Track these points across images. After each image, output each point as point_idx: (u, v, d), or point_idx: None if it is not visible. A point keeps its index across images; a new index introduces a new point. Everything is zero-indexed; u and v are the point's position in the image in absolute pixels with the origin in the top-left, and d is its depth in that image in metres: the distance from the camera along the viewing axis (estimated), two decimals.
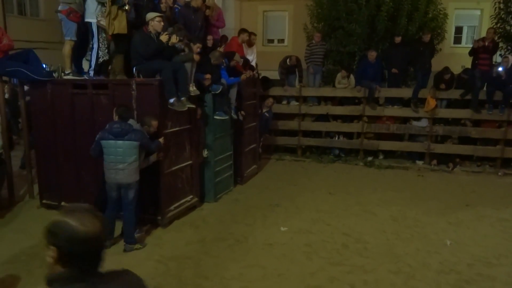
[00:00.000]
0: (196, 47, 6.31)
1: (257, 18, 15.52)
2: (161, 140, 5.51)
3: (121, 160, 4.96)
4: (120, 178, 5.01)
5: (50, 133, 6.34)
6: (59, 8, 6.10)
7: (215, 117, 6.92)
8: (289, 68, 10.41)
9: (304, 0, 11.91)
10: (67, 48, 6.22)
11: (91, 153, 5.21)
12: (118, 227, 5.31)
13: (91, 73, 6.35)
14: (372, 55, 9.63)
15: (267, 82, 10.36)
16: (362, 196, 7.50)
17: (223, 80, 7.04)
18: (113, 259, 4.89)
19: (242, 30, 8.76)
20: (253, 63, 9.04)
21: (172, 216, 6.07)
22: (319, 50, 10.29)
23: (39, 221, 6.15)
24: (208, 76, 6.58)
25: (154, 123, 5.43)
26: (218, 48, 7.58)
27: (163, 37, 5.78)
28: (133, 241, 5.19)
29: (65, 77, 6.31)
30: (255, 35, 9.26)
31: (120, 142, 4.95)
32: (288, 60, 10.29)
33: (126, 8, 5.86)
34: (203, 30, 7.47)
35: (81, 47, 6.49)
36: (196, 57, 6.22)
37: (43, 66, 6.65)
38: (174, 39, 5.90)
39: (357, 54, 10.52)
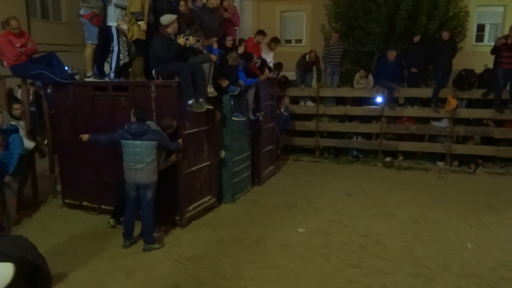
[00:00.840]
0: (213, 40, 6.36)
1: (275, 19, 15.50)
2: (179, 141, 5.58)
3: (139, 160, 5.05)
4: (138, 178, 5.09)
5: (72, 134, 6.48)
6: (81, 12, 6.23)
7: (233, 118, 6.96)
8: (307, 65, 10.36)
9: None
10: (88, 51, 6.36)
11: (102, 138, 5.32)
12: (138, 227, 5.40)
13: (112, 75, 6.49)
14: (392, 54, 9.51)
15: (285, 83, 10.36)
16: (381, 197, 7.42)
17: (241, 81, 7.08)
18: (132, 258, 5.01)
19: (260, 32, 8.77)
20: (271, 64, 9.05)
21: (191, 216, 6.13)
22: (337, 50, 10.22)
23: (62, 220, 6.33)
24: (225, 82, 6.67)
25: (175, 123, 5.52)
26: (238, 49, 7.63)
27: (181, 40, 5.85)
28: (151, 241, 5.26)
29: (87, 80, 6.45)
30: (278, 42, 9.24)
31: (138, 142, 5.04)
32: (307, 56, 10.26)
33: (141, 25, 5.97)
34: (221, 31, 7.51)
35: (103, 50, 6.63)
36: (214, 58, 6.28)
37: (65, 69, 6.81)
38: (192, 40, 5.97)
39: (375, 54, 10.41)
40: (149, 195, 5.15)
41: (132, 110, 5.33)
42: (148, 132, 5.07)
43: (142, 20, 6.03)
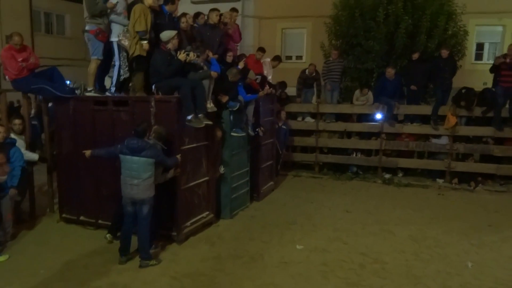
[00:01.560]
0: (209, 54, 6.45)
1: (276, 35, 15.64)
2: (178, 156, 5.57)
3: (136, 175, 5.04)
4: (134, 194, 5.07)
5: (71, 148, 6.49)
6: (87, 28, 6.30)
7: (232, 133, 6.97)
8: (307, 80, 10.42)
9: (322, 17, 11.98)
10: (93, 67, 6.42)
11: (103, 152, 5.40)
12: (134, 242, 5.34)
13: (113, 89, 6.53)
14: (389, 72, 9.59)
15: (285, 99, 10.41)
16: (381, 214, 7.37)
17: (240, 97, 7.11)
18: (128, 274, 4.95)
19: (259, 49, 8.86)
20: (270, 80, 9.11)
21: (188, 232, 6.08)
22: (337, 67, 10.31)
23: (58, 235, 6.28)
24: (225, 98, 6.72)
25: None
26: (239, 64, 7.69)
27: (182, 56, 5.91)
28: (148, 257, 5.20)
29: (87, 94, 6.49)
30: (280, 60, 9.37)
31: (136, 158, 5.04)
32: (307, 70, 10.35)
33: (144, 44, 6.05)
34: (222, 46, 7.57)
35: (104, 65, 6.68)
36: (214, 74, 6.32)
37: (66, 83, 6.85)
38: (192, 56, 6.03)
39: (375, 71, 10.47)
40: (144, 211, 5.11)
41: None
42: (146, 148, 5.07)
43: (146, 39, 6.10)
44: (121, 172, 5.18)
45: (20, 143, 6.37)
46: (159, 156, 5.18)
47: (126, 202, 5.16)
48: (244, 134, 7.25)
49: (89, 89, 6.49)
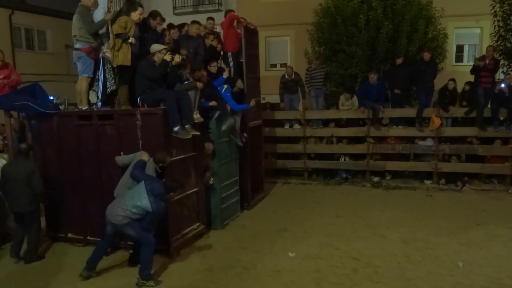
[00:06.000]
0: (201, 75, 6.44)
1: (260, 44, 15.73)
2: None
3: (129, 203, 4.92)
4: (108, 210, 5.04)
5: (56, 164, 6.39)
6: (78, 46, 6.20)
7: (223, 127, 6.97)
8: (288, 84, 10.42)
9: (305, 24, 12.11)
10: (84, 85, 6.30)
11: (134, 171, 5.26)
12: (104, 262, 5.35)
13: (99, 104, 6.47)
14: (372, 77, 9.73)
15: (266, 108, 10.49)
16: (371, 218, 7.40)
17: (233, 117, 7.15)
18: None
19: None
20: None
21: (179, 244, 6.01)
22: (319, 74, 10.41)
23: (46, 253, 6.14)
24: (213, 103, 6.71)
25: (168, 159, 5.50)
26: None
27: (167, 57, 5.90)
28: (145, 277, 4.98)
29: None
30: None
31: (145, 195, 4.91)
32: (285, 74, 10.40)
33: (130, 41, 6.01)
34: (199, 57, 7.52)
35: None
36: (199, 85, 6.32)
37: (49, 99, 6.76)
38: (178, 58, 6.04)
39: (359, 76, 10.60)
40: (131, 233, 5.00)
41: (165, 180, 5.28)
42: (159, 198, 4.96)
43: (128, 38, 6.01)
44: (127, 190, 5.19)
45: (4, 161, 6.25)
46: (154, 215, 4.98)
47: (107, 220, 5.06)
48: (232, 121, 7.18)
49: (84, 108, 6.38)
